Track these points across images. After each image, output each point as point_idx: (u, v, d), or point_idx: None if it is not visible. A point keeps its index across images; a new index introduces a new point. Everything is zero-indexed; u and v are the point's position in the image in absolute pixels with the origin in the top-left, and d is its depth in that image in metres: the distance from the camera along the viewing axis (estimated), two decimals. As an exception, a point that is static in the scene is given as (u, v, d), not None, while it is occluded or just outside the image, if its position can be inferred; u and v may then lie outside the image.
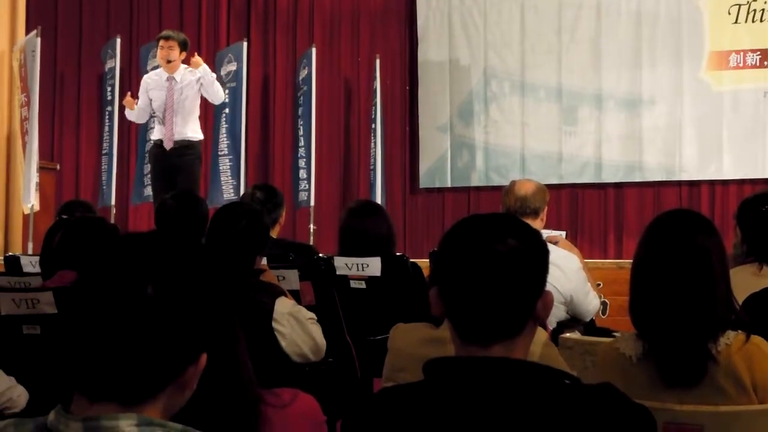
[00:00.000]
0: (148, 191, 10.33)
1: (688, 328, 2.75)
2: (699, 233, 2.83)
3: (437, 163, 11.68)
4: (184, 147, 9.14)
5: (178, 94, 9.16)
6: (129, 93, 9.51)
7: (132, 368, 1.61)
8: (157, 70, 9.46)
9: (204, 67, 9.24)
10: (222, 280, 1.74)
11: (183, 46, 9.25)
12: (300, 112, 11.03)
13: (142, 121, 9.74)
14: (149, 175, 9.81)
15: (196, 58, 9.28)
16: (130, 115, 9.53)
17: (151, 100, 9.26)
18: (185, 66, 9.21)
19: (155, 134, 9.31)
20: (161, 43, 9.26)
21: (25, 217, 10.14)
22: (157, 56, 9.36)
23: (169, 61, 9.16)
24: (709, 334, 2.75)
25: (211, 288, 1.70)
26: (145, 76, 9.58)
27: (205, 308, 1.68)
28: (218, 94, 9.42)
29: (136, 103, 9.32)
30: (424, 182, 11.78)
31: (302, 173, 10.86)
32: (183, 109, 9.17)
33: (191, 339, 1.66)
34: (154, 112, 9.28)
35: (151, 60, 10.81)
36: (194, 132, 9.28)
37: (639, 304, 2.86)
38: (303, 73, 10.99)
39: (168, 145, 9.09)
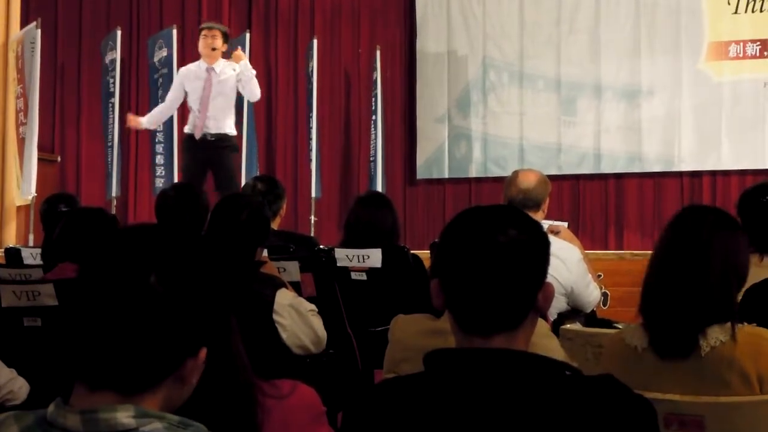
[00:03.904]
0: (159, 183, 10.31)
1: (680, 309, 2.79)
2: (704, 227, 2.87)
3: (435, 154, 11.67)
4: (220, 140, 9.08)
5: (216, 85, 9.13)
6: (129, 114, 9.44)
7: (133, 356, 1.62)
8: (196, 62, 9.38)
9: (245, 62, 9.22)
10: (222, 272, 1.75)
11: (225, 37, 9.24)
12: (307, 104, 11.05)
13: (163, 118, 9.62)
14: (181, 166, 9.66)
15: (239, 52, 9.27)
16: (146, 123, 9.47)
17: (186, 92, 9.21)
18: (225, 60, 9.20)
19: (190, 126, 9.19)
20: (204, 32, 9.22)
21: (26, 210, 10.14)
22: (200, 46, 9.24)
23: (213, 49, 9.13)
24: (701, 317, 2.79)
25: (211, 280, 1.71)
26: (182, 69, 9.48)
27: (206, 300, 1.69)
28: (255, 92, 9.34)
29: (148, 112, 9.31)
30: (421, 173, 11.77)
31: (312, 165, 10.84)
32: (221, 102, 9.12)
33: (192, 331, 1.66)
34: (190, 105, 9.20)
35: (158, 51, 10.79)
36: (231, 127, 9.23)
37: (646, 291, 2.89)
38: (310, 66, 10.99)
39: (198, 135, 9.00)
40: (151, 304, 1.63)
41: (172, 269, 1.66)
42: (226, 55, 9.19)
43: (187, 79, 9.22)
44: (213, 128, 9.01)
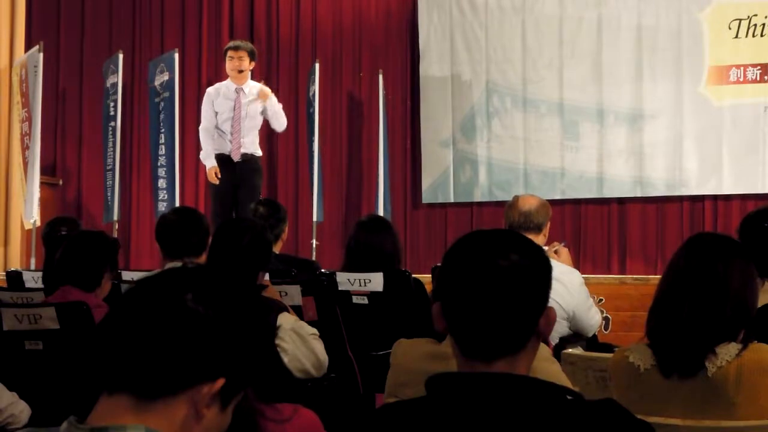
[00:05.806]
0: (161, 207, 10.28)
1: (689, 332, 2.79)
2: (720, 259, 2.89)
3: (440, 179, 11.66)
4: (248, 161, 9.15)
5: (246, 106, 9.16)
6: (214, 172, 9.19)
7: (150, 354, 1.64)
8: (224, 82, 9.42)
9: (272, 99, 9.28)
10: (257, 307, 1.77)
11: (252, 56, 9.27)
12: (308, 128, 11.08)
13: (214, 143, 9.28)
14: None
15: (265, 90, 9.28)
16: (212, 162, 9.21)
17: (216, 112, 9.24)
18: (253, 81, 9.23)
19: (218, 146, 9.20)
20: (230, 53, 9.26)
21: (28, 233, 10.15)
22: (227, 67, 9.31)
23: (240, 71, 9.15)
24: (710, 339, 2.79)
25: (246, 312, 1.73)
26: (209, 89, 9.54)
27: (236, 329, 1.71)
28: (282, 122, 9.44)
29: (216, 174, 9.16)
30: (426, 198, 11.74)
31: (314, 188, 10.83)
32: (249, 122, 9.17)
33: (215, 351, 1.67)
34: (219, 126, 9.22)
35: (159, 74, 10.79)
36: (257, 148, 9.29)
37: (655, 315, 2.89)
38: (311, 90, 11.02)
39: (236, 157, 9.07)
40: (182, 315, 1.66)
41: (209, 295, 1.69)
42: (255, 78, 9.24)
43: (215, 99, 9.25)
44: (242, 148, 9.06)
